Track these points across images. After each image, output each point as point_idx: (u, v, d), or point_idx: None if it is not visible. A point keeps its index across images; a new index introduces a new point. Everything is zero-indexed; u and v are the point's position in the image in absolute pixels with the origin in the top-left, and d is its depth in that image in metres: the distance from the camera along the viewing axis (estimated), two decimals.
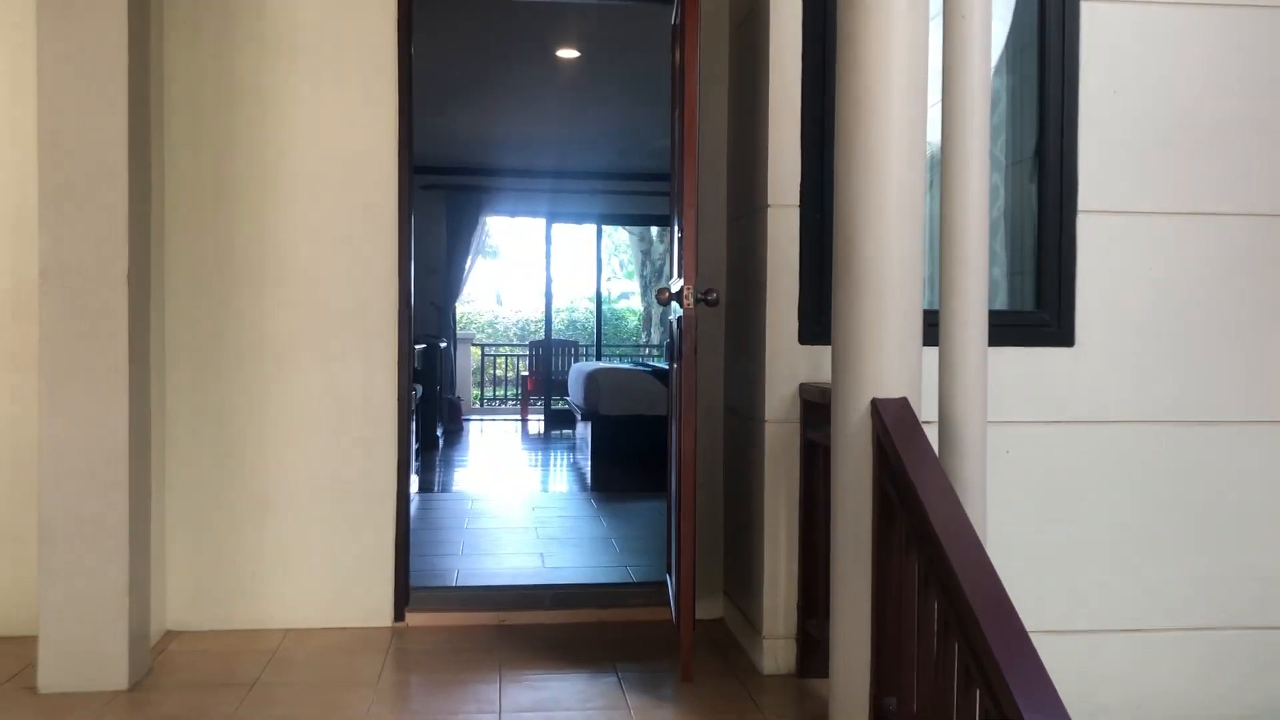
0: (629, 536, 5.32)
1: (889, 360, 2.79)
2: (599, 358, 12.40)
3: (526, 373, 12.85)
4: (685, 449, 3.29)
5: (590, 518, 5.85)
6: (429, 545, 5.04)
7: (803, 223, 3.59)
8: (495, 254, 20.43)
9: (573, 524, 5.69)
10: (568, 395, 11.67)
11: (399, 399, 3.98)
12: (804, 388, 3.56)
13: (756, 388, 3.65)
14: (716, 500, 4.15)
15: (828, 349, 3.35)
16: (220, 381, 3.83)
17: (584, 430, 8.88)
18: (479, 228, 11.19)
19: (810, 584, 3.49)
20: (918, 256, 2.83)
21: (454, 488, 7.08)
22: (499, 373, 15.84)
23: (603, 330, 13.68)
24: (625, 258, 20.63)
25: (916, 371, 2.84)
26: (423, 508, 6.12)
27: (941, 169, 2.83)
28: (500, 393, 15.20)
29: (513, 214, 11.92)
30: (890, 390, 2.78)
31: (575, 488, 7.24)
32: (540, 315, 21.14)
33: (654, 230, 18.71)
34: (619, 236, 19.86)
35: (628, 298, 20.71)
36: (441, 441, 9.38)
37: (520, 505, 6.27)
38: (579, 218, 11.96)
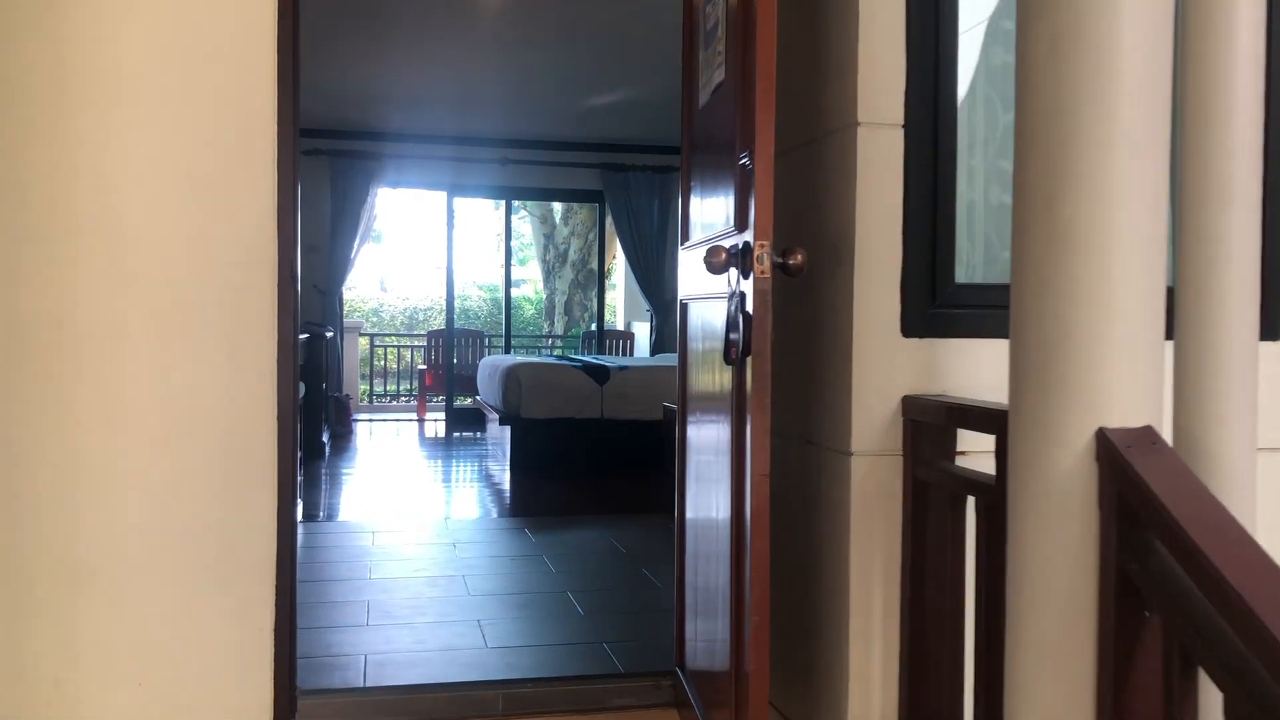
0: (591, 589, 4.06)
1: (1122, 371, 1.74)
2: (508, 350, 11.05)
3: (424, 366, 11.42)
4: (756, 508, 2.05)
5: (530, 557, 4.56)
6: (322, 610, 3.70)
7: (910, 152, 2.38)
8: (379, 238, 18.82)
9: (510, 568, 4.40)
10: (474, 393, 10.31)
11: (280, 413, 2.66)
12: (912, 403, 2.36)
13: (834, 403, 2.43)
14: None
15: (950, 344, 2.36)
16: (1, 392, 2.43)
17: (498, 433, 7.56)
18: (369, 200, 9.73)
19: (919, 688, 2.33)
20: (1161, 211, 1.73)
21: (348, 514, 5.69)
22: (389, 364, 14.34)
23: (500, 319, 12.32)
24: (521, 241, 19.23)
25: (1158, 387, 1.75)
26: (310, 546, 4.75)
27: (1181, 82, 1.76)
28: (391, 388, 13.71)
29: (408, 186, 10.47)
30: (1125, 415, 1.74)
31: (499, 510, 5.92)
32: (429, 303, 19.62)
33: (558, 210, 17.37)
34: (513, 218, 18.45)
35: (519, 285, 19.33)
36: (328, 449, 7.94)
37: (436, 539, 4.94)
38: (487, 191, 10.57)
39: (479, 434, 9.36)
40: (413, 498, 6.20)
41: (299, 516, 5.30)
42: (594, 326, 12.31)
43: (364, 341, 13.84)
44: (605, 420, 7.12)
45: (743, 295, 2.08)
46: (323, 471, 7.11)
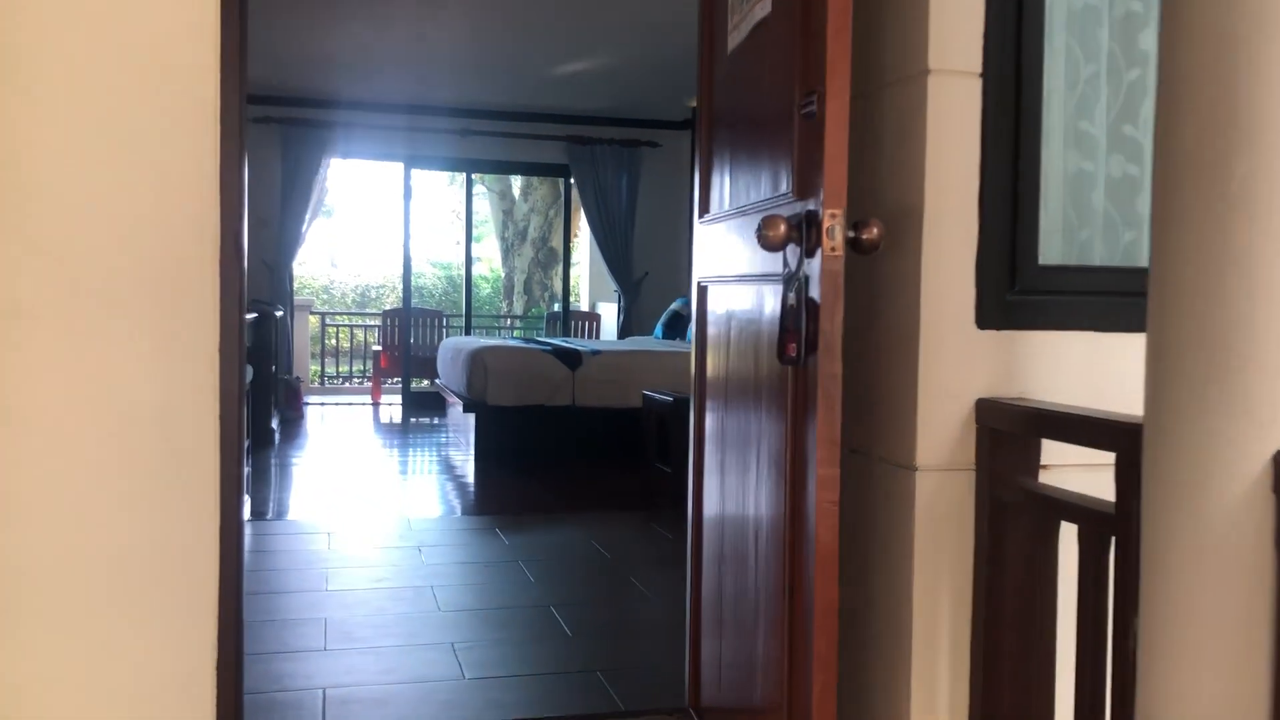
0: (575, 602, 3.65)
1: None
2: (468, 331, 10.56)
3: (379, 347, 10.90)
4: (824, 546, 1.65)
5: (505, 564, 4.14)
6: (273, 631, 3.26)
7: (988, 106, 1.98)
8: (330, 213, 18.19)
9: (483, 577, 3.97)
10: (432, 375, 9.85)
11: (223, 410, 2.24)
12: (989, 409, 1.97)
13: (895, 408, 2.04)
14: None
15: (1031, 338, 2.04)
16: None
17: (459, 419, 7.10)
18: (321, 172, 9.19)
19: None
20: None
21: (301, 511, 5.23)
22: (340, 344, 13.78)
23: (462, 298, 11.83)
24: (477, 218, 18.67)
25: None
26: (259, 551, 4.29)
27: None
28: (343, 368, 13.16)
29: (363, 156, 9.93)
30: None
31: (466, 507, 5.49)
32: (382, 281, 19.02)
33: (516, 186, 16.85)
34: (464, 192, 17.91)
35: (475, 263, 18.79)
36: (278, 435, 7.44)
37: (399, 541, 4.50)
38: (446, 163, 10.06)
39: (438, 420, 8.89)
40: (371, 491, 5.74)
41: (246, 515, 4.84)
42: (558, 307, 11.87)
43: (315, 320, 13.29)
44: (577, 408, 6.70)
45: (805, 279, 1.67)
46: (273, 461, 6.62)
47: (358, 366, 13.06)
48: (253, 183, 9.01)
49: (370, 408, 10.11)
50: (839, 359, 1.63)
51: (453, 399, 7.15)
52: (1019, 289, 2.01)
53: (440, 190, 17.89)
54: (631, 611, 3.59)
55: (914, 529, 1.99)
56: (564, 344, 7.33)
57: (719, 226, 2.29)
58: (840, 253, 1.62)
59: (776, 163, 1.86)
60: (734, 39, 2.18)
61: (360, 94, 8.99)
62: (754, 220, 2.00)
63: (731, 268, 2.17)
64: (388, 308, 18.73)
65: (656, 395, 5.44)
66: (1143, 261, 2.26)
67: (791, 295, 1.69)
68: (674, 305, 8.33)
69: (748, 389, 2.07)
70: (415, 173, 9.76)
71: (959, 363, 1.98)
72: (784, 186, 1.80)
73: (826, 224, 1.62)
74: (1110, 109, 2.23)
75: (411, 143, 9.48)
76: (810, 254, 1.65)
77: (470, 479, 6.22)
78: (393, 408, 9.97)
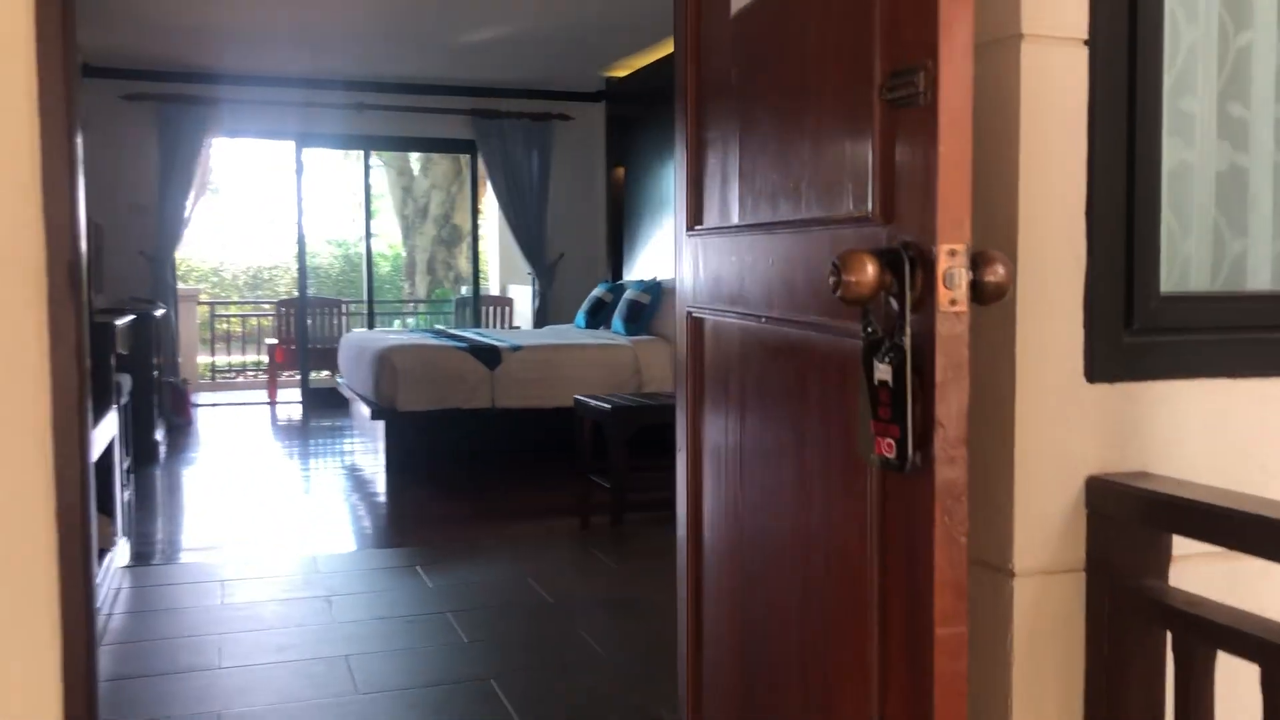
0: (518, 668, 3.10)
1: None
2: (371, 320, 9.83)
3: (274, 340, 10.12)
4: (945, 676, 1.12)
5: (430, 617, 3.57)
6: None
7: (1098, 84, 1.48)
8: (216, 190, 17.15)
9: (408, 638, 3.39)
10: (331, 367, 9.17)
11: (61, 506, 1.70)
12: (1100, 490, 1.48)
13: (986, 493, 1.52)
14: None
15: (1161, 389, 1.55)
16: None
17: (367, 420, 6.45)
18: (204, 152, 8.38)
19: None
20: None
21: (191, 546, 4.57)
22: (232, 330, 12.90)
23: (362, 281, 11.08)
24: (372, 192, 17.82)
25: None
26: (141, 610, 3.65)
27: None
28: (235, 360, 12.32)
29: (250, 135, 9.12)
30: None
31: (379, 536, 4.88)
32: (274, 264, 18.03)
33: (415, 160, 16.04)
34: (360, 166, 17.04)
35: (373, 238, 17.95)
36: (163, 449, 6.70)
37: (305, 588, 3.90)
38: (342, 141, 9.29)
39: (341, 421, 8.20)
40: (271, 518, 5.09)
41: (126, 561, 4.18)
42: (466, 290, 11.23)
43: (203, 310, 12.41)
44: (497, 411, 6.12)
45: (908, 345, 1.14)
46: (158, 481, 5.91)
47: (252, 358, 12.23)
48: (128, 166, 8.16)
49: (267, 407, 9.36)
50: (964, 463, 1.11)
51: (358, 403, 6.49)
52: (1138, 327, 1.52)
53: (335, 165, 16.98)
54: (585, 680, 3.05)
55: (1011, 653, 1.49)
56: (479, 338, 6.72)
57: (723, 242, 1.75)
58: (964, 307, 1.10)
59: (836, 168, 1.33)
60: None
61: (246, 66, 8.20)
62: (790, 242, 1.47)
63: (751, 302, 1.63)
64: (282, 296, 17.81)
65: (591, 401, 4.89)
66: (1256, 280, 1.80)
67: (884, 367, 1.16)
68: (596, 291, 7.77)
69: (792, 489, 1.54)
70: (309, 151, 8.99)
71: (1064, 429, 1.48)
72: (855, 204, 1.27)
73: (943, 265, 1.09)
74: (1215, 83, 1.75)
75: (304, 119, 8.72)
76: (916, 308, 1.13)
77: (382, 497, 5.60)
78: (291, 407, 9.23)
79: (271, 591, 3.85)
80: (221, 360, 12.27)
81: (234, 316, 13.50)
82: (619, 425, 4.66)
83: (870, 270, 1.14)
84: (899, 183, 1.18)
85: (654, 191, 8.15)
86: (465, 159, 10.23)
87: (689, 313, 1.94)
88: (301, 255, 9.31)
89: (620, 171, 8.93)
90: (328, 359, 9.82)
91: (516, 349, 6.26)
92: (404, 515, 5.14)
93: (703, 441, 1.91)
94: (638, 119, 8.54)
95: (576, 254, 9.42)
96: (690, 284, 1.93)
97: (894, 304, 1.16)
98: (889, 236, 1.20)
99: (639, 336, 6.67)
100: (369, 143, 9.25)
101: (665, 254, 7.92)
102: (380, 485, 5.83)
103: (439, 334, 7.18)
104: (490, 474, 5.97)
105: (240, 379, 11.76)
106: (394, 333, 7.63)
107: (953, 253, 1.10)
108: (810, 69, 1.43)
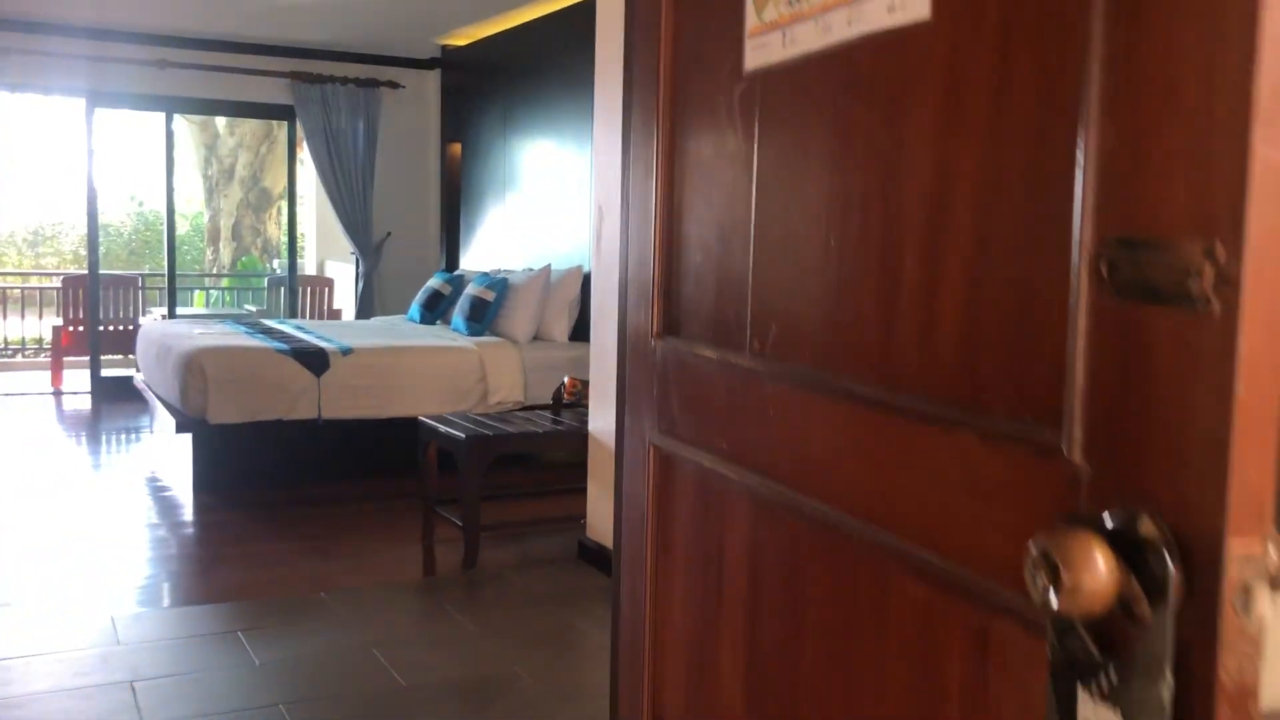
0: None
1: None
2: (172, 309, 8.83)
3: (60, 321, 9.04)
4: None
5: (259, 713, 3.00)
6: None
7: None
8: None
9: None
10: (127, 350, 8.27)
11: None
12: None
13: None
14: None
15: None
16: None
17: (164, 414, 5.68)
18: None
19: None
20: None
21: None
22: (7, 292, 11.58)
23: (150, 241, 10.04)
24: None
25: None
26: None
27: None
28: (14, 337, 11.04)
29: (31, 90, 8.02)
30: None
31: (192, 587, 4.22)
32: (53, 227, 16.42)
33: (220, 120, 14.81)
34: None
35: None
36: None
37: (102, 668, 3.26)
38: (141, 102, 8.26)
39: (139, 420, 7.33)
40: (57, 558, 4.35)
41: None
42: (278, 265, 10.37)
43: None
44: (324, 424, 5.48)
45: (1165, 702, 0.71)
46: None
47: (31, 331, 10.99)
48: None
49: (51, 397, 8.34)
50: None
51: (161, 409, 5.72)
52: None
53: (130, 119, 15.53)
54: None
55: None
56: (302, 336, 6.03)
57: (730, 368, 1.29)
58: (1259, 648, 0.68)
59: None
60: (798, 39, 1.16)
61: (25, 12, 7.16)
62: (862, 418, 1.02)
63: (781, 472, 1.17)
64: (67, 257, 16.23)
65: (440, 426, 4.35)
66: None
67: (1107, 713, 0.72)
68: (433, 282, 7.15)
69: None
70: (101, 112, 7.98)
71: None
72: (1023, 417, 0.83)
73: (1233, 575, 0.67)
74: None
75: (96, 75, 7.72)
76: (1179, 634, 0.70)
77: (192, 529, 4.90)
78: (80, 397, 8.25)
79: (57, 672, 3.18)
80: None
81: (10, 275, 12.13)
82: (474, 456, 4.15)
83: (1102, 568, 0.71)
84: (1128, 412, 0.75)
85: (495, 171, 7.58)
86: (282, 127, 9.35)
87: (653, 445, 1.46)
88: (93, 230, 8.29)
89: (456, 148, 8.30)
90: (122, 342, 8.84)
91: (347, 352, 5.62)
92: (220, 555, 4.48)
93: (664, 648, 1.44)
94: (477, 91, 7.93)
95: (406, 234, 8.75)
96: (655, 402, 1.46)
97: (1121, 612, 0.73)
98: (1094, 494, 0.77)
99: (483, 338, 6.12)
100: (172, 104, 8.28)
101: (508, 241, 7.37)
102: (189, 512, 5.11)
103: (253, 328, 6.43)
104: (319, 498, 5.34)
105: (19, 359, 10.54)
106: (201, 324, 6.80)
107: (1249, 558, 0.68)
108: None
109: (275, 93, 8.36)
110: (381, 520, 4.97)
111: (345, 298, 9.30)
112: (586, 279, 6.16)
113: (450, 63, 8.40)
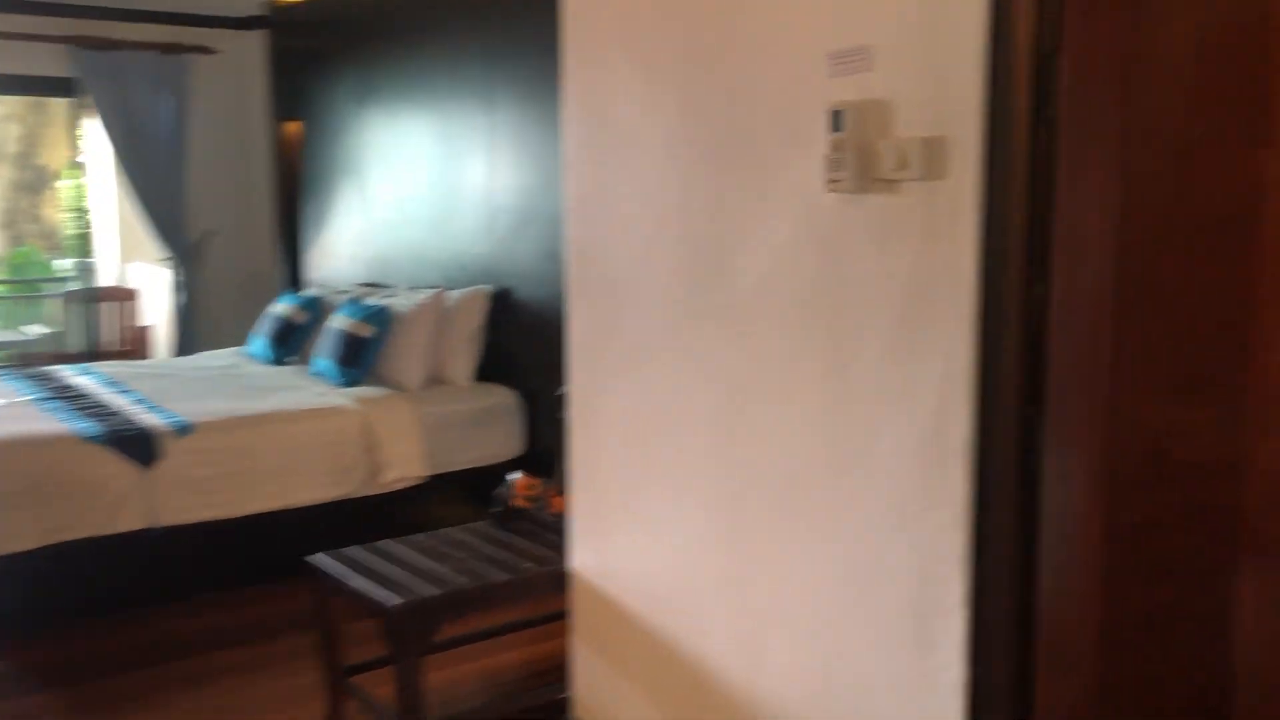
0: None
1: None
2: None
3: None
4: None
5: None
6: None
7: None
8: None
9: None
10: None
11: None
12: None
13: None
14: None
15: None
16: None
17: None
18: None
19: None
20: None
21: None
22: None
23: None
24: None
25: None
26: None
27: None
28: None
29: None
30: None
31: None
32: None
33: None
34: None
35: None
36: None
37: None
38: None
39: None
40: None
41: None
42: (71, 267, 8.50)
43: None
44: (162, 533, 3.97)
45: None
46: None
47: None
48: None
49: None
50: None
51: None
52: None
53: None
54: None
55: None
56: (120, 404, 4.44)
57: None
58: None
59: None
60: None
61: None
62: None
63: None
64: None
65: (348, 579, 2.95)
66: None
67: None
68: (282, 308, 5.58)
69: None
70: None
71: None
72: None
73: None
74: None
75: None
76: None
77: None
78: None
79: None
80: None
81: None
82: (418, 626, 2.79)
83: None
84: None
85: (350, 157, 6.05)
86: (63, 105, 7.50)
87: None
88: None
89: (294, 127, 6.68)
90: None
91: (185, 430, 4.09)
92: None
93: None
94: (321, 57, 6.34)
95: (232, 233, 7.12)
96: None
97: None
98: None
99: (364, 390, 4.66)
100: None
101: (373, 246, 5.88)
102: None
103: (44, 386, 4.77)
104: (159, 643, 3.84)
105: None
106: None
107: None
108: None
109: (53, 63, 6.55)
110: (261, 676, 3.54)
111: (156, 312, 7.54)
112: (497, 302, 4.81)
113: (281, 22, 6.76)
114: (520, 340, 4.78)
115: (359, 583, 2.90)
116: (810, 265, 2.22)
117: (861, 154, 2.08)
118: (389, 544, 3.18)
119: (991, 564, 2.01)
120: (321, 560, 3.06)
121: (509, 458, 4.64)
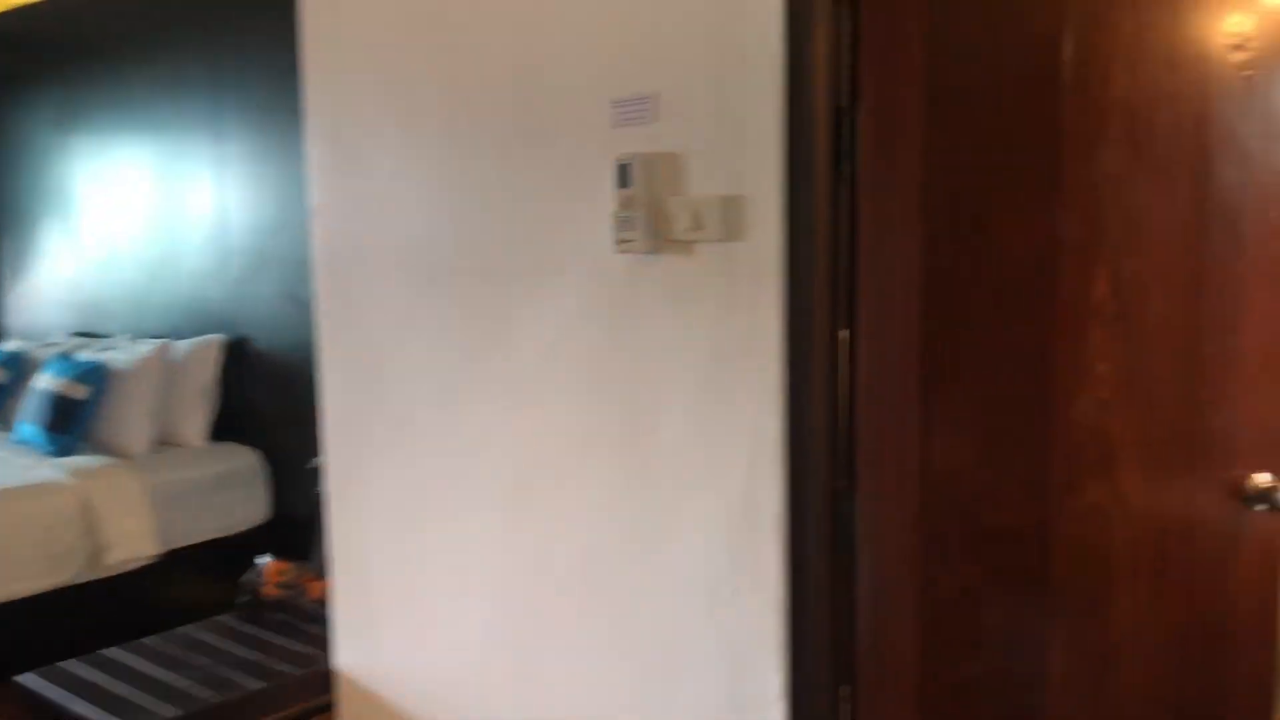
0: None
1: None
2: None
3: None
4: None
5: None
6: None
7: None
8: None
9: None
10: None
11: None
12: None
13: None
14: None
15: None
16: None
17: None
18: None
19: None
20: None
21: None
22: None
23: None
24: None
25: None
26: None
27: None
28: None
29: None
30: None
31: None
32: None
33: None
34: None
35: None
36: None
37: None
38: None
39: None
40: None
41: None
42: None
43: None
44: None
45: None
46: None
47: None
48: None
49: None
50: None
51: None
52: None
53: None
54: None
55: None
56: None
57: None
58: None
59: None
60: None
61: None
62: None
63: None
64: None
65: (71, 705, 2.52)
66: None
67: None
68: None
69: None
70: None
71: None
72: None
73: None
74: None
75: None
76: None
77: None
78: None
79: None
80: None
81: None
82: None
83: None
84: None
85: (51, 190, 5.39)
86: None
87: None
88: None
89: None
90: None
91: None
92: None
93: None
94: (15, 76, 5.63)
95: None
96: None
97: None
98: None
99: (79, 459, 4.10)
100: None
101: (84, 291, 5.26)
102: None
103: None
104: None
105: None
106: None
107: None
108: None
109: None
110: None
111: None
112: (232, 352, 4.36)
113: None
114: (261, 394, 4.35)
115: (81, 708, 2.47)
116: (601, 332, 2.02)
117: (652, 212, 1.91)
118: (116, 652, 2.74)
119: (811, 653, 1.87)
120: (32, 681, 2.60)
121: (253, 525, 4.20)
